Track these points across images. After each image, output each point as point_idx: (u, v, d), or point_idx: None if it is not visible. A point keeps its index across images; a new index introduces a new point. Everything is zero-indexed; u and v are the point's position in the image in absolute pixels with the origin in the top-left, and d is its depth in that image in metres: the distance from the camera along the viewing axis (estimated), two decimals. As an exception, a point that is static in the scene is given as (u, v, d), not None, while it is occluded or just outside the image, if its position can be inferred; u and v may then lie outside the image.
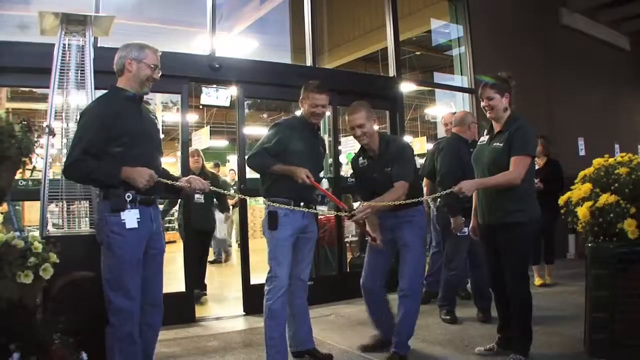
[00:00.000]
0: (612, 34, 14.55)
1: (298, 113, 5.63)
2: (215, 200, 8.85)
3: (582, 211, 2.95)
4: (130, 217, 3.88)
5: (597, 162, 3.05)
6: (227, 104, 7.99)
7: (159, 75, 4.19)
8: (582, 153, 12.49)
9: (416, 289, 5.46)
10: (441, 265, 7.10)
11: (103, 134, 3.83)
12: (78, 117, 4.42)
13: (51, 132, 4.57)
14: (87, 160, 3.80)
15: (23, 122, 3.23)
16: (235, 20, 11.77)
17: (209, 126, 18.05)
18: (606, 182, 2.95)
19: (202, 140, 15.33)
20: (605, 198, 2.89)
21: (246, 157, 5.68)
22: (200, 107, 15.39)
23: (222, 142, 22.65)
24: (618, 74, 14.76)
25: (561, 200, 3.14)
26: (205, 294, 8.41)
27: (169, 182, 4.12)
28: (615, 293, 2.78)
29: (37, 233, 4.43)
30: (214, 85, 7.64)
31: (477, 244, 6.29)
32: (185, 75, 7.20)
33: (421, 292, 5.68)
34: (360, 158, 5.66)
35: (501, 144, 4.79)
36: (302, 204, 4.91)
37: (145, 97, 4.27)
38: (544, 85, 11.47)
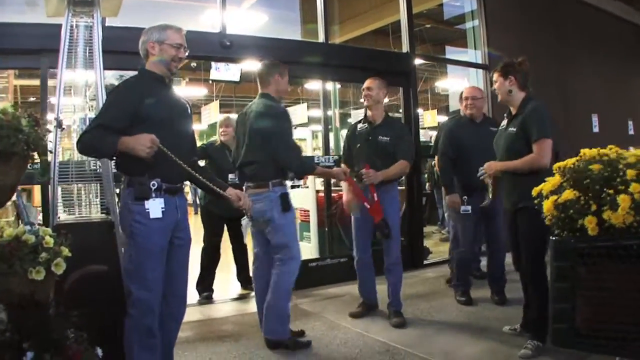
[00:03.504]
0: (626, 9, 14.26)
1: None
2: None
3: (547, 204, 2.88)
4: (155, 207, 3.75)
5: (585, 152, 2.98)
6: (238, 79, 7.83)
7: (186, 53, 4.06)
8: (595, 130, 12.34)
9: (399, 256, 6.03)
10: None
11: (126, 114, 3.71)
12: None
13: (59, 125, 4.46)
14: (96, 131, 3.66)
15: (30, 117, 3.09)
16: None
17: (218, 100, 17.95)
18: (577, 177, 2.89)
19: (211, 114, 15.30)
20: (568, 193, 2.80)
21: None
22: (210, 82, 15.34)
23: (232, 116, 22.56)
24: (631, 50, 14.57)
25: (534, 190, 3.08)
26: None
27: (214, 188, 4.10)
28: (575, 285, 2.73)
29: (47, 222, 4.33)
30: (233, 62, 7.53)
31: (495, 226, 6.33)
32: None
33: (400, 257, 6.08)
34: (360, 124, 6.22)
35: (515, 129, 4.84)
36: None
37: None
38: (557, 60, 11.23)
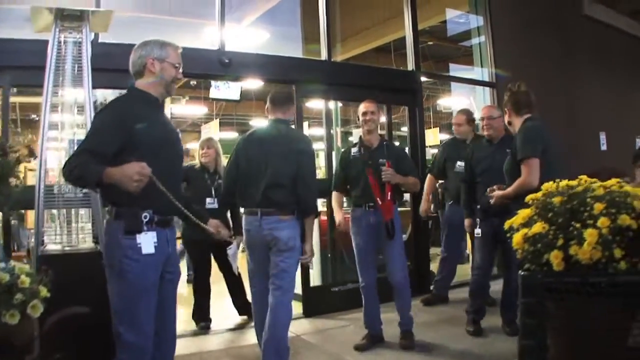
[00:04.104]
0: (634, 25, 14.03)
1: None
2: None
3: (516, 238, 2.73)
4: (147, 241, 3.37)
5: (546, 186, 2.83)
6: (238, 97, 7.62)
7: (182, 74, 3.73)
8: (603, 148, 12.04)
9: (406, 277, 5.97)
10: (450, 270, 7.54)
11: (116, 139, 3.31)
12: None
13: (32, 155, 4.16)
14: (82, 156, 3.25)
15: (-1, 147, 2.79)
16: (245, 11, 11.26)
17: (218, 118, 17.87)
18: (542, 210, 2.73)
19: (211, 132, 15.25)
20: (537, 227, 2.68)
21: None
22: (211, 100, 15.18)
23: (232, 134, 22.25)
24: (638, 65, 14.21)
25: (507, 223, 2.91)
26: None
27: (194, 219, 3.71)
28: (543, 322, 2.61)
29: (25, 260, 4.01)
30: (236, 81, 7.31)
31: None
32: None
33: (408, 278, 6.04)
34: (354, 149, 6.06)
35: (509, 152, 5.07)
36: None
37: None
38: (564, 77, 10.96)
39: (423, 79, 9.45)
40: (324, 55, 8.03)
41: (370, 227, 5.84)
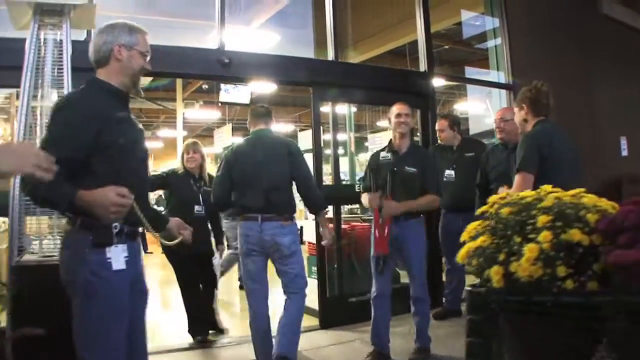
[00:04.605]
0: None
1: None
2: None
3: (462, 252, 2.48)
4: (118, 255, 2.91)
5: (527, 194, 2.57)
6: (248, 101, 7.45)
7: (150, 64, 3.26)
8: (624, 153, 11.61)
9: (426, 291, 5.76)
10: (459, 281, 7.17)
11: (83, 144, 2.85)
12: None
13: None
14: None
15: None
16: (254, 12, 11.08)
17: (231, 123, 17.72)
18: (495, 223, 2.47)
19: (224, 138, 15.21)
20: (481, 240, 2.43)
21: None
22: (219, 104, 14.99)
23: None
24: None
25: (463, 235, 2.66)
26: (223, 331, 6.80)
27: (154, 234, 3.33)
28: (489, 341, 2.37)
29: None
30: (233, 83, 7.04)
31: None
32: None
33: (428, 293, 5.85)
34: (384, 152, 5.81)
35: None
36: None
37: None
38: (583, 79, 10.59)
39: (438, 83, 9.18)
40: (330, 56, 7.73)
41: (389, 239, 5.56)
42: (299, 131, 17.56)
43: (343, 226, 7.93)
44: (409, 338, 5.82)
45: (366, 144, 13.35)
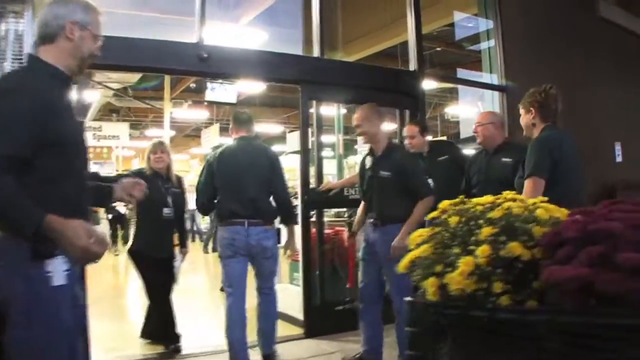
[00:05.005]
0: None
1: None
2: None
3: (403, 262, 2.35)
4: (58, 269, 2.45)
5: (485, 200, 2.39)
6: (234, 100, 7.20)
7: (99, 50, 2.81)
8: (618, 159, 11.45)
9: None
10: None
11: (35, 137, 2.41)
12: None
13: None
14: (6, 177, 2.30)
15: None
16: (242, 9, 10.82)
17: (219, 123, 17.57)
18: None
19: (211, 138, 15.11)
20: (421, 249, 2.29)
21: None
22: (205, 103, 14.79)
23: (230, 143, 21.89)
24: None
25: (410, 243, 2.50)
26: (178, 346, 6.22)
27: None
28: (427, 354, 2.29)
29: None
30: (219, 80, 6.79)
31: None
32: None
33: None
34: (368, 157, 5.69)
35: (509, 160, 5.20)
36: None
37: None
38: (579, 83, 10.27)
39: (430, 85, 8.92)
40: (315, 52, 7.44)
41: (368, 244, 5.50)
42: (288, 132, 17.41)
43: (327, 231, 7.68)
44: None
45: (356, 146, 13.12)
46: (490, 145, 5.68)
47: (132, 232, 7.16)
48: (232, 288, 5.38)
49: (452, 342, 2.16)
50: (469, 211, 2.30)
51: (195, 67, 6.39)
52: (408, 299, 2.37)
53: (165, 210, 5.99)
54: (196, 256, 15.87)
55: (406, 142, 6.60)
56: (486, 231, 2.13)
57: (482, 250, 2.04)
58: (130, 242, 6.33)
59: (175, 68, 6.40)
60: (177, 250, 6.40)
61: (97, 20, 2.76)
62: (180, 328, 6.25)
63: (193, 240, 19.78)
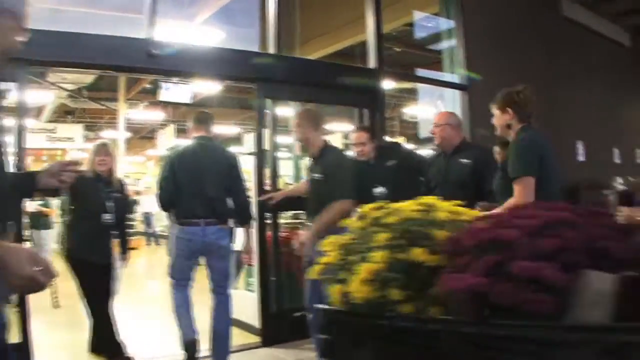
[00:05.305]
0: (613, 29, 13.70)
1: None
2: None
3: (315, 268, 2.41)
4: None
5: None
6: (188, 100, 7.15)
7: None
8: (581, 158, 11.59)
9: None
10: None
11: None
12: None
13: None
14: None
15: None
16: (198, 7, 10.66)
17: (175, 125, 17.36)
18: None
19: (167, 139, 14.96)
20: (331, 256, 2.33)
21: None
22: (161, 104, 14.57)
23: (189, 142, 21.58)
24: (618, 72, 13.94)
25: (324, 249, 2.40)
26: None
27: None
28: None
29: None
30: (173, 79, 6.57)
31: None
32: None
33: None
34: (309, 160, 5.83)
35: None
36: None
37: None
38: (541, 81, 10.18)
39: (389, 85, 8.77)
40: (271, 49, 7.27)
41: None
42: (245, 134, 17.23)
43: (283, 234, 7.43)
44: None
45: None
46: (448, 147, 5.55)
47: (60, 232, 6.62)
48: (177, 279, 5.56)
49: (359, 350, 2.12)
50: (368, 216, 2.31)
51: (144, 64, 6.12)
52: (318, 306, 2.46)
53: (105, 216, 5.66)
54: (156, 259, 15.63)
55: (355, 150, 6.34)
56: (382, 237, 2.11)
57: (380, 256, 2.04)
58: (63, 245, 5.90)
59: (124, 65, 6.11)
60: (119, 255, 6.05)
61: (27, 12, 2.31)
62: (138, 336, 6.22)
63: (148, 244, 19.46)
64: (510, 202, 4.04)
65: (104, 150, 5.93)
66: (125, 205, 6.23)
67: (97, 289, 5.71)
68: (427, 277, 1.97)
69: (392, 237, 2.10)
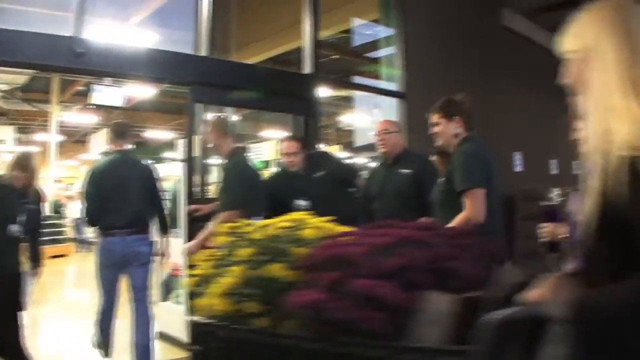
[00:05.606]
0: (553, 40, 13.62)
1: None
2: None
3: (187, 280, 2.55)
4: None
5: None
6: (120, 103, 7.16)
7: None
8: (518, 169, 11.61)
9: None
10: None
11: None
12: None
13: None
14: None
15: None
16: (133, 8, 10.58)
17: (109, 128, 17.04)
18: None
19: (100, 143, 14.77)
20: (200, 269, 2.43)
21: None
22: (91, 107, 14.29)
23: (108, 156, 21.23)
24: (558, 83, 13.83)
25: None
26: None
27: None
28: None
29: None
30: (103, 80, 6.40)
31: None
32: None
33: None
34: None
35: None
36: None
37: None
38: (480, 91, 10.15)
39: (325, 93, 8.64)
40: (203, 51, 7.08)
41: None
42: (178, 139, 17.02)
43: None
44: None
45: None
46: (392, 155, 5.34)
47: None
48: (105, 294, 5.58)
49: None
50: (236, 232, 2.39)
51: (70, 64, 5.78)
52: (190, 317, 2.46)
53: (13, 227, 5.24)
54: (86, 266, 15.23)
55: (285, 160, 6.07)
56: (244, 252, 2.21)
57: (237, 271, 2.15)
58: None
59: (48, 64, 5.84)
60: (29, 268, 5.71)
61: None
62: (60, 344, 6.40)
63: (79, 251, 18.98)
64: (462, 215, 3.93)
65: (19, 166, 5.57)
66: (38, 216, 5.81)
67: (9, 302, 5.34)
68: (284, 292, 2.01)
69: (255, 252, 2.20)
